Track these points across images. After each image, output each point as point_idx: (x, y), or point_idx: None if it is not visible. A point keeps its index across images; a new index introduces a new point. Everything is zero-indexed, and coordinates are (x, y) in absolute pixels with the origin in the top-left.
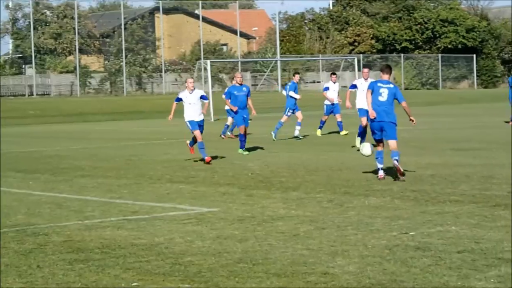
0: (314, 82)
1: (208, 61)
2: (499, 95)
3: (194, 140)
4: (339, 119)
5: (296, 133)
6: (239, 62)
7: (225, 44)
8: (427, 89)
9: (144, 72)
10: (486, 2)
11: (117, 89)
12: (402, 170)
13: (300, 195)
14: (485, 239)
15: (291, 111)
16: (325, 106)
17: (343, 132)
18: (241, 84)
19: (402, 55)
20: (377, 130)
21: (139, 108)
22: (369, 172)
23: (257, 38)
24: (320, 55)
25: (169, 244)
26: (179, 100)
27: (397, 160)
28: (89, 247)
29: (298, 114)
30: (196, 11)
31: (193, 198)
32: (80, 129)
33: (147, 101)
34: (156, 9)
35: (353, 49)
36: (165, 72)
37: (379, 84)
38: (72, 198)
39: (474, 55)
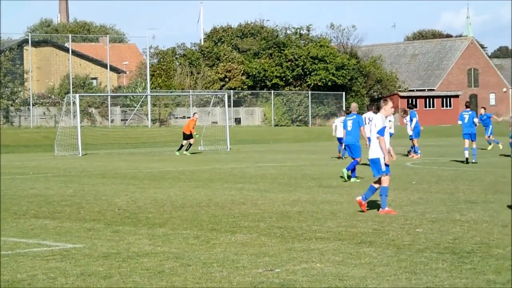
0: (184, 117)
1: (77, 95)
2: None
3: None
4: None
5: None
6: (109, 97)
7: (95, 78)
8: (297, 125)
9: (11, 105)
10: (355, 41)
11: None
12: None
13: (166, 231)
14: (349, 276)
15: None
16: None
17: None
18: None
19: (272, 91)
20: None
21: (5, 142)
22: (236, 208)
23: (127, 72)
24: (190, 90)
25: (32, 281)
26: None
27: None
28: None
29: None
30: (66, 44)
31: (58, 234)
32: None
33: (13, 135)
34: (25, 41)
35: (223, 85)
36: (33, 105)
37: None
38: None
39: (344, 93)
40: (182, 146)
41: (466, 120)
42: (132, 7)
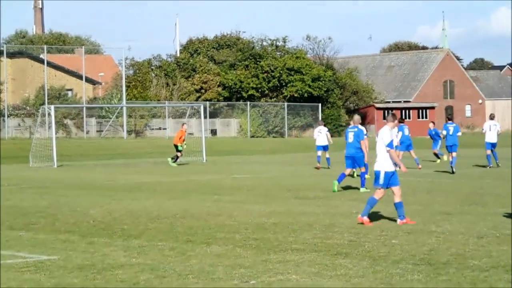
0: (160, 128)
1: (52, 106)
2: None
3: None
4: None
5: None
6: (84, 108)
7: (71, 89)
8: (273, 137)
9: None
10: (331, 52)
11: None
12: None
13: (142, 243)
14: None
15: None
16: None
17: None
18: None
19: (248, 103)
20: None
21: None
22: (212, 219)
23: (103, 83)
24: (166, 101)
25: None
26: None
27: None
28: None
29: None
30: (41, 56)
31: (33, 246)
32: None
33: None
34: (0, 52)
35: (199, 96)
36: (8, 116)
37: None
38: None
39: (320, 104)
40: (177, 157)
41: (451, 132)
42: (108, 18)
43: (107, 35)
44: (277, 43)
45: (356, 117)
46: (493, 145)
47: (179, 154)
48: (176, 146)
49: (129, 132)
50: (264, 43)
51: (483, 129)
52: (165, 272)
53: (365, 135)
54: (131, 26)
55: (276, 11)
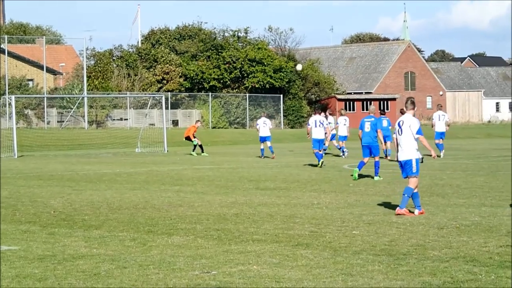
0: (121, 119)
1: (13, 97)
2: (305, 134)
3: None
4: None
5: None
6: (45, 98)
7: (31, 80)
8: (235, 128)
9: None
10: (293, 44)
11: None
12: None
13: (102, 233)
14: (285, 279)
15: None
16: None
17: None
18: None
19: (210, 93)
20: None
21: None
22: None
23: (64, 74)
24: (128, 92)
25: None
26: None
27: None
28: None
29: None
30: (2, 45)
31: None
32: None
33: None
34: None
35: (161, 87)
36: None
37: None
38: None
39: (281, 95)
40: (195, 146)
41: None
42: (68, 8)
43: (68, 26)
44: (239, 34)
45: (372, 108)
46: (441, 134)
47: (197, 141)
48: (188, 138)
49: (90, 122)
50: (226, 34)
51: (432, 119)
52: (126, 263)
53: (329, 123)
54: (93, 17)
55: (237, 2)
